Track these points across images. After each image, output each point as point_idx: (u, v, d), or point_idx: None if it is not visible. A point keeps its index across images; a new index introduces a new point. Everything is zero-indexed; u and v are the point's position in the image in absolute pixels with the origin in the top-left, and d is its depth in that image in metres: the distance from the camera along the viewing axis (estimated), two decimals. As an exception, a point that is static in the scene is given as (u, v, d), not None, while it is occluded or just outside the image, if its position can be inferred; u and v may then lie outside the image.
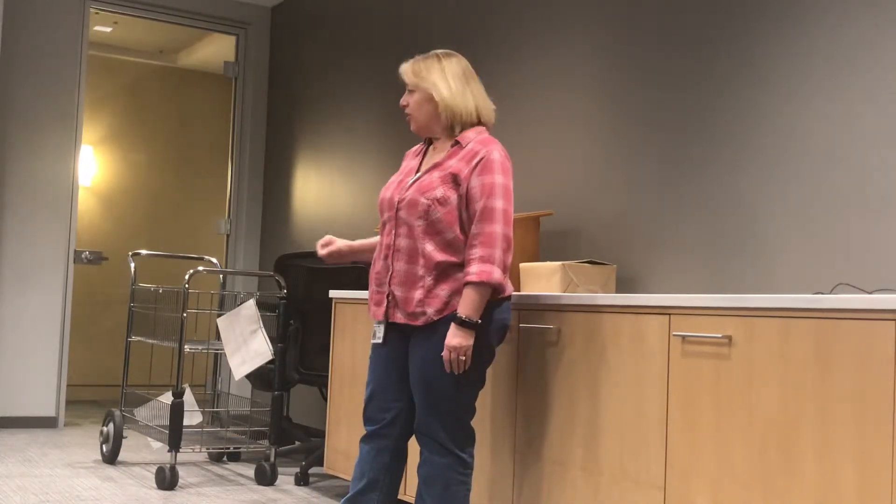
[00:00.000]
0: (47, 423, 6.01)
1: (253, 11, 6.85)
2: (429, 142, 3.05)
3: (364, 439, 3.03)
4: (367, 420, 3.03)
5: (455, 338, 2.77)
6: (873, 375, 2.15)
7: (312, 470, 4.70)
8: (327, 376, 4.74)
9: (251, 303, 4.47)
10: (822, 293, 2.67)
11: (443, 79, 2.94)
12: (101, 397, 7.87)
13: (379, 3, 5.57)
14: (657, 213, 3.60)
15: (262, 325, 4.42)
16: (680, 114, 3.55)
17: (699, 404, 2.57)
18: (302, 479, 4.55)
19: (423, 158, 3.02)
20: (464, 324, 2.77)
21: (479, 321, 2.79)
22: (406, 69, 2.99)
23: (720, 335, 2.51)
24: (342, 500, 3.06)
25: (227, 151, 6.93)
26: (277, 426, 4.55)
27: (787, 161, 3.14)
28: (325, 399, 4.47)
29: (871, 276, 2.86)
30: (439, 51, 3.02)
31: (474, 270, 2.77)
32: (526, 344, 3.19)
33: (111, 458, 4.85)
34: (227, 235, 6.83)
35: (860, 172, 2.92)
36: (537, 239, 3.85)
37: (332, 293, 4.24)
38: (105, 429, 4.91)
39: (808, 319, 2.30)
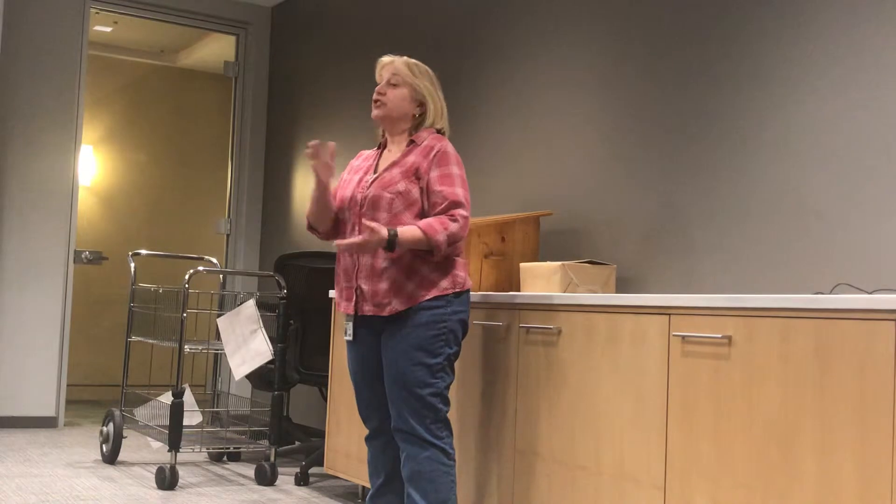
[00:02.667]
0: (47, 423, 6.01)
1: (253, 11, 6.85)
2: (382, 146, 3.18)
3: (368, 439, 3.18)
4: (364, 419, 3.18)
5: (376, 236, 2.83)
6: (873, 375, 2.15)
7: (312, 470, 4.70)
8: (327, 376, 4.74)
9: (251, 303, 4.47)
10: (822, 293, 2.67)
11: (434, 87, 3.13)
12: (101, 397, 7.87)
13: (378, 4, 5.57)
14: (657, 213, 3.60)
15: (262, 325, 4.42)
16: (680, 114, 3.55)
17: (699, 404, 2.57)
18: (302, 479, 4.55)
19: (378, 160, 3.14)
20: (391, 239, 2.85)
21: (395, 246, 2.87)
22: (399, 64, 3.10)
23: (720, 335, 2.51)
24: (367, 498, 3.19)
25: (227, 151, 6.93)
26: (277, 426, 4.55)
27: (787, 161, 3.14)
28: (325, 399, 4.47)
29: (871, 276, 2.86)
30: (418, 61, 3.15)
31: (428, 221, 2.90)
32: (526, 344, 3.19)
33: (111, 458, 4.85)
34: (227, 235, 6.84)
35: (860, 172, 2.92)
36: (537, 239, 3.85)
37: (332, 293, 4.24)
38: (105, 429, 4.91)
39: (808, 319, 2.30)
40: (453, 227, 2.91)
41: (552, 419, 3.06)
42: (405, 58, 3.12)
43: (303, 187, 6.28)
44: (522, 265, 3.59)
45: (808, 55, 3.11)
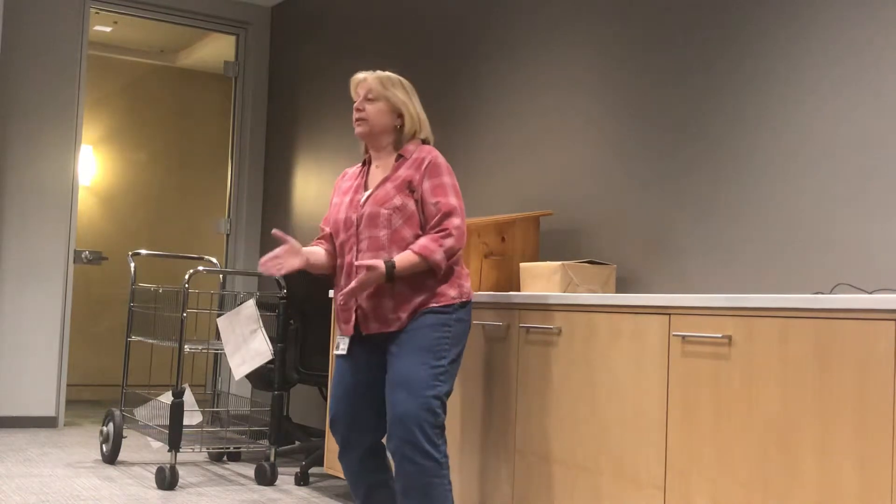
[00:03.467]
0: (47, 422, 6.01)
1: (253, 11, 6.85)
2: (366, 162, 3.16)
3: (341, 456, 3.10)
4: (333, 431, 3.10)
5: (375, 273, 2.86)
6: (873, 375, 2.15)
7: (312, 470, 4.70)
8: (327, 376, 4.74)
9: (251, 303, 4.47)
10: (822, 293, 2.67)
11: (408, 98, 3.11)
12: (101, 397, 7.87)
13: (378, 3, 5.57)
14: (657, 213, 3.60)
15: (262, 325, 4.42)
16: (680, 113, 3.55)
17: (699, 404, 2.57)
18: (302, 479, 4.55)
19: (366, 178, 3.12)
20: (388, 272, 2.87)
21: (395, 277, 2.90)
22: (372, 78, 3.10)
23: (720, 335, 2.51)
24: None
25: (227, 151, 6.93)
26: (277, 426, 4.55)
27: (787, 160, 3.14)
28: (325, 399, 4.47)
29: (871, 276, 2.86)
30: (390, 73, 3.15)
31: (421, 244, 2.92)
32: (526, 344, 3.19)
33: (111, 458, 4.85)
34: (227, 235, 6.84)
35: (860, 172, 2.92)
36: (537, 239, 3.85)
37: (332, 293, 4.24)
38: (105, 429, 4.91)
39: (808, 319, 2.30)
40: (448, 242, 2.92)
41: (552, 419, 3.06)
42: (377, 72, 3.12)
43: (303, 187, 6.28)
44: (522, 265, 3.59)
45: (808, 55, 3.11)
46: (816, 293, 2.66)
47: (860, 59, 2.95)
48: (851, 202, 2.93)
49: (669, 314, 2.68)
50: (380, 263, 2.86)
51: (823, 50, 3.06)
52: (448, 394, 2.96)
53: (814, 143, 3.06)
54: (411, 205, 2.97)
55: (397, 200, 2.97)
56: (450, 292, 2.97)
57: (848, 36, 2.99)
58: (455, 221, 2.95)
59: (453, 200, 2.97)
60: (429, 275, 2.95)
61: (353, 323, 3.01)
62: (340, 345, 3.06)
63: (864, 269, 2.88)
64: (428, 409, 2.89)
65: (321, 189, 6.04)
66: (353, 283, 2.87)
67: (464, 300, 3.00)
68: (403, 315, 2.94)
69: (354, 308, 3.00)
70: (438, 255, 2.90)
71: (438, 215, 2.95)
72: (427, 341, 2.91)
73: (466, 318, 3.02)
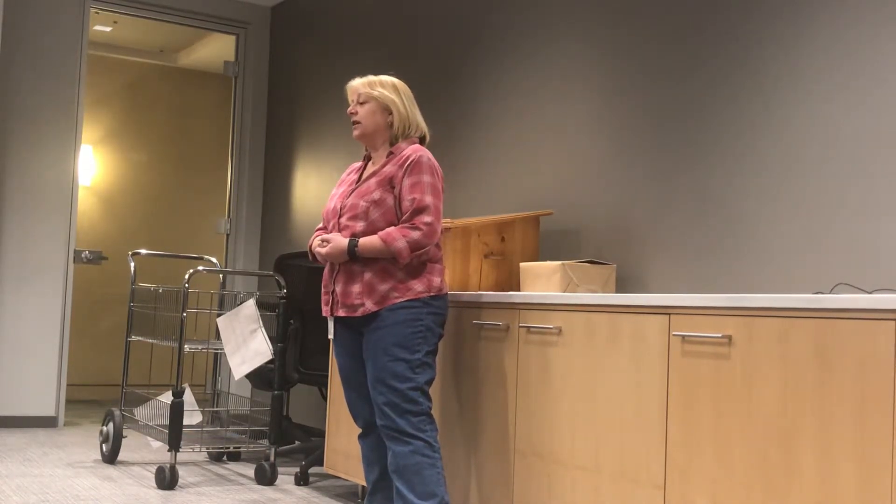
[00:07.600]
0: (47, 422, 6.01)
1: (253, 11, 6.85)
2: (367, 158, 3.31)
3: (360, 437, 3.31)
4: (353, 417, 3.31)
5: (339, 245, 3.05)
6: (873, 375, 2.15)
7: (312, 470, 4.70)
8: (327, 376, 4.74)
9: (251, 302, 4.47)
10: (822, 293, 2.67)
11: (398, 96, 3.23)
12: (101, 397, 7.87)
13: (378, 3, 5.57)
14: (657, 213, 3.60)
15: (261, 325, 4.42)
16: (680, 114, 3.55)
17: (699, 404, 2.57)
18: (302, 479, 4.55)
19: (362, 172, 3.28)
20: (350, 249, 3.06)
21: (358, 256, 3.07)
22: (360, 83, 3.25)
23: (720, 335, 2.51)
24: (366, 497, 3.31)
25: (227, 151, 6.93)
26: (277, 426, 4.55)
27: (787, 161, 3.14)
28: (325, 399, 4.47)
29: (871, 276, 2.86)
30: (384, 76, 3.28)
31: (387, 230, 3.03)
32: (526, 344, 3.19)
33: (111, 457, 4.85)
34: (227, 235, 6.84)
35: (859, 172, 2.92)
36: (537, 239, 3.85)
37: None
38: (105, 428, 4.91)
39: (808, 319, 2.30)
40: (414, 234, 3.02)
41: (552, 419, 3.06)
42: (367, 77, 3.27)
43: (303, 187, 6.28)
44: (522, 265, 3.59)
45: (808, 54, 3.11)
46: (816, 293, 2.66)
47: (860, 58, 2.95)
48: (851, 202, 2.93)
49: (669, 314, 2.68)
50: (342, 239, 3.06)
51: (823, 49, 3.06)
52: (429, 382, 3.11)
53: (814, 142, 3.06)
54: (390, 200, 3.09)
55: (376, 195, 3.10)
56: (416, 286, 3.09)
57: (848, 35, 2.99)
58: (426, 218, 3.04)
59: (428, 199, 3.06)
60: (397, 266, 3.07)
61: (330, 306, 3.19)
62: (330, 328, 3.23)
63: (864, 269, 2.88)
64: (409, 401, 3.05)
65: (321, 189, 6.04)
66: (321, 249, 3.09)
67: (433, 294, 3.11)
68: (368, 302, 3.07)
69: (331, 291, 3.18)
70: (400, 244, 3.01)
71: (411, 210, 3.05)
72: (401, 337, 3.05)
73: (440, 311, 3.14)
